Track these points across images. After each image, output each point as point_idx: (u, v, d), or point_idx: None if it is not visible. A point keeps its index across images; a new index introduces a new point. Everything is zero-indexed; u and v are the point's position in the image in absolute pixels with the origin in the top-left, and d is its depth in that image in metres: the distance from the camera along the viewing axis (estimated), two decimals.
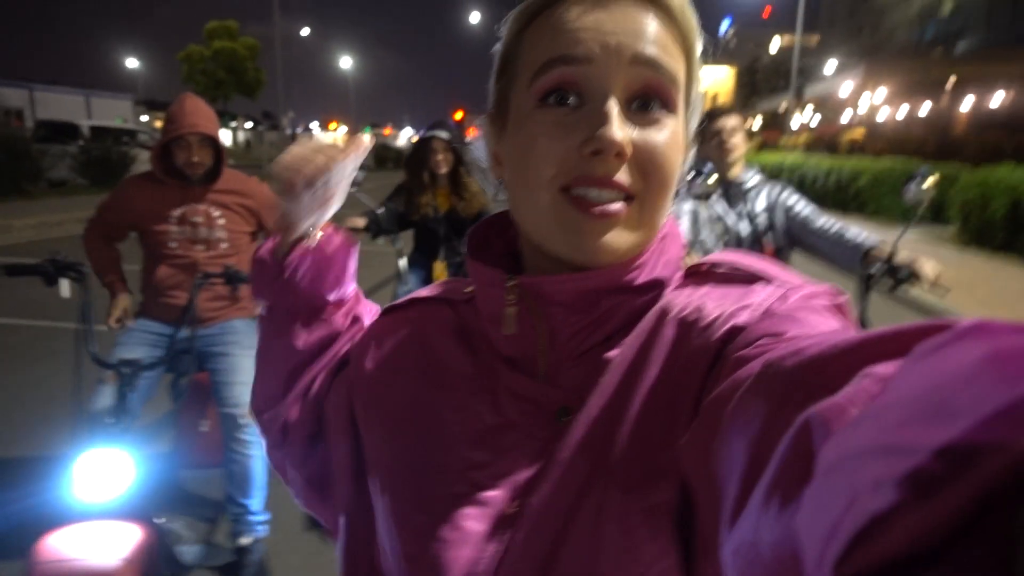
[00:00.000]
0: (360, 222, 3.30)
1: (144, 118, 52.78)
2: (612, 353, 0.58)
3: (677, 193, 0.59)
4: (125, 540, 1.81)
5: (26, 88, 36.03)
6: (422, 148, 3.34)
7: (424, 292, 0.73)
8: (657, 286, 0.60)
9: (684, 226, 2.69)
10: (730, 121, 2.76)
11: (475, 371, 0.64)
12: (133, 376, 2.11)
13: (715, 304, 0.54)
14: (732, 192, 2.82)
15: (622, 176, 0.54)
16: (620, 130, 0.52)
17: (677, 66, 0.56)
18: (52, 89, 38.94)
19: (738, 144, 2.77)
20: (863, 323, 2.35)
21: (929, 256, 2.38)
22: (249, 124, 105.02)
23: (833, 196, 16.33)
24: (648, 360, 0.55)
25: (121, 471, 1.95)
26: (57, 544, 1.75)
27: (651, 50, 0.54)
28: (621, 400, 0.55)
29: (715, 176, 2.66)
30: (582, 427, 0.56)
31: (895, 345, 0.31)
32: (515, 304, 0.59)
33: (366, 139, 0.73)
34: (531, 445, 0.58)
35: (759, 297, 0.53)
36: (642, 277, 0.58)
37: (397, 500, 0.63)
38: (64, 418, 2.27)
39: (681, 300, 0.58)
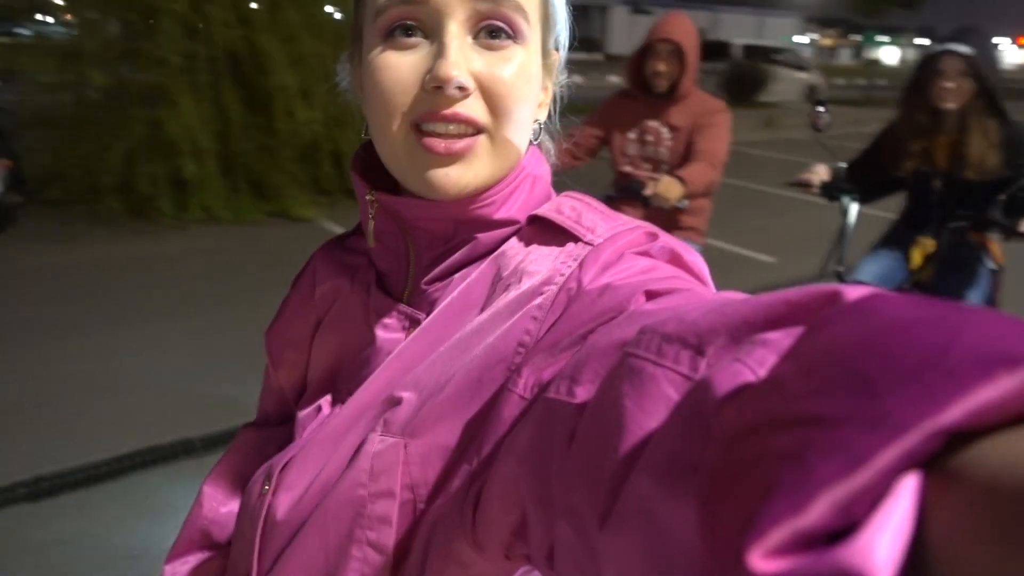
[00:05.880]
0: (823, 173, 2.57)
1: (801, 38, 52.77)
2: (451, 287, 0.58)
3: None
4: None
5: (709, 10, 41.27)
6: (923, 71, 2.30)
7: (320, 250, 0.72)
8: (512, 225, 0.59)
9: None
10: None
11: (352, 293, 0.65)
12: None
13: (536, 261, 0.55)
14: None
15: (469, 109, 0.53)
16: (456, 65, 0.51)
17: None
18: (730, 10, 43.67)
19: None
20: None
21: None
22: (918, 41, 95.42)
23: None
24: (468, 304, 0.56)
25: None
26: None
27: None
28: (435, 339, 0.55)
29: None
30: (400, 352, 0.56)
31: (783, 312, 0.29)
32: (374, 217, 0.59)
33: None
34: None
35: (573, 254, 0.53)
36: (498, 214, 0.58)
37: None
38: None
39: (512, 251, 0.57)
